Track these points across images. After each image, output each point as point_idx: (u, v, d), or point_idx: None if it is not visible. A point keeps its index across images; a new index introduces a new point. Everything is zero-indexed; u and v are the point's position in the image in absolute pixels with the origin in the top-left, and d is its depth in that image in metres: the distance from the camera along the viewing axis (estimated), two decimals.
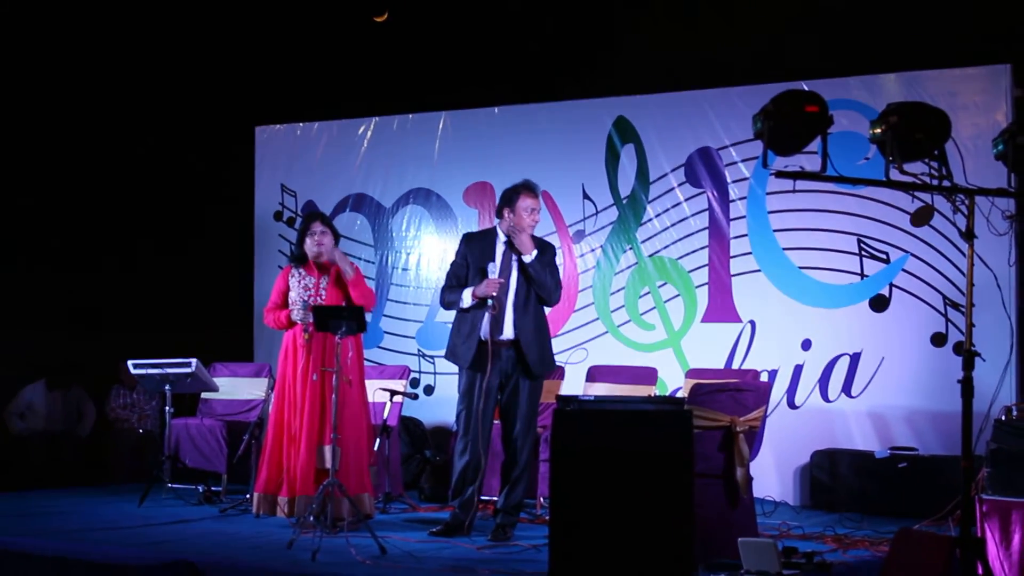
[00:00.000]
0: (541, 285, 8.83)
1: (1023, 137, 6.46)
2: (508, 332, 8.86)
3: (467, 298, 8.92)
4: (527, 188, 9.02)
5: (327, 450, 8.75)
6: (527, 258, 8.79)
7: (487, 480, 9.49)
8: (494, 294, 8.81)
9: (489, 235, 9.11)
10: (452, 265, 9.19)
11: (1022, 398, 9.49)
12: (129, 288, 13.89)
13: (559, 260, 11.63)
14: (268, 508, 9.28)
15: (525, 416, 8.89)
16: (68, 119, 13.70)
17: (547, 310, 9.06)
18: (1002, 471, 7.51)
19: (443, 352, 9.34)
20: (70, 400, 13.46)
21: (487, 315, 8.84)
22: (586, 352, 11.85)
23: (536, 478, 9.92)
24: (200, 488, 10.67)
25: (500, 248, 8.99)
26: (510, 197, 9.00)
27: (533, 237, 8.95)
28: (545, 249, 9.00)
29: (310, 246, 9.45)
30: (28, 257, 13.69)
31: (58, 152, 13.77)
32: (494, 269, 8.87)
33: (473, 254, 9.08)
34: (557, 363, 11.21)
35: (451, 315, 9.14)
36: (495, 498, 9.18)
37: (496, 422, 9.09)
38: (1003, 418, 7.80)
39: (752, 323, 11.25)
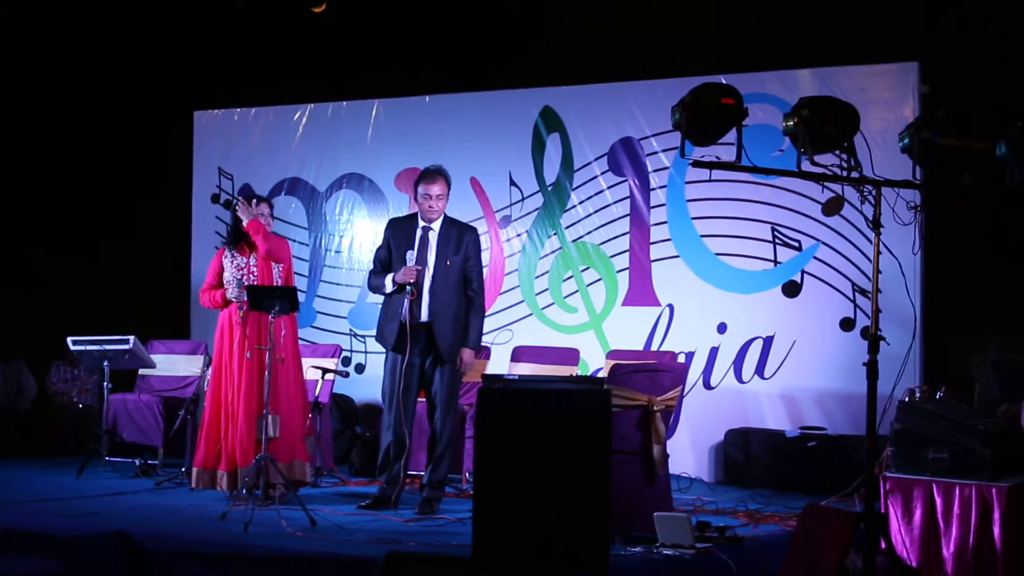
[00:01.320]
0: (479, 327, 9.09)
1: (928, 132, 6.51)
2: (424, 315, 8.87)
3: (388, 284, 8.94)
4: (425, 174, 9.10)
5: (269, 419, 8.70)
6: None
7: (415, 456, 9.49)
8: (411, 280, 8.83)
9: (411, 220, 9.11)
10: (377, 250, 9.22)
11: (925, 380, 9.57)
12: (69, 265, 13.76)
13: (484, 245, 11.67)
14: (207, 482, 9.25)
15: (444, 397, 8.91)
16: (11, 99, 13.56)
17: None
18: (905, 450, 7.59)
19: (374, 332, 9.33)
20: (9, 374, 13.33)
21: (406, 299, 8.85)
22: (511, 333, 11.85)
23: (462, 454, 9.93)
24: (137, 462, 10.61)
25: (419, 233, 8.99)
26: (415, 184, 9.10)
27: (454, 221, 8.99)
28: (464, 233, 9.00)
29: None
30: None
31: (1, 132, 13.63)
32: (412, 256, 8.88)
33: (396, 239, 9.10)
34: (482, 345, 11.24)
35: (379, 298, 9.14)
36: (422, 473, 9.18)
37: (422, 400, 9.11)
38: (906, 399, 7.87)
39: (670, 307, 11.29)
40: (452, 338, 8.89)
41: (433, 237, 8.98)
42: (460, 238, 8.95)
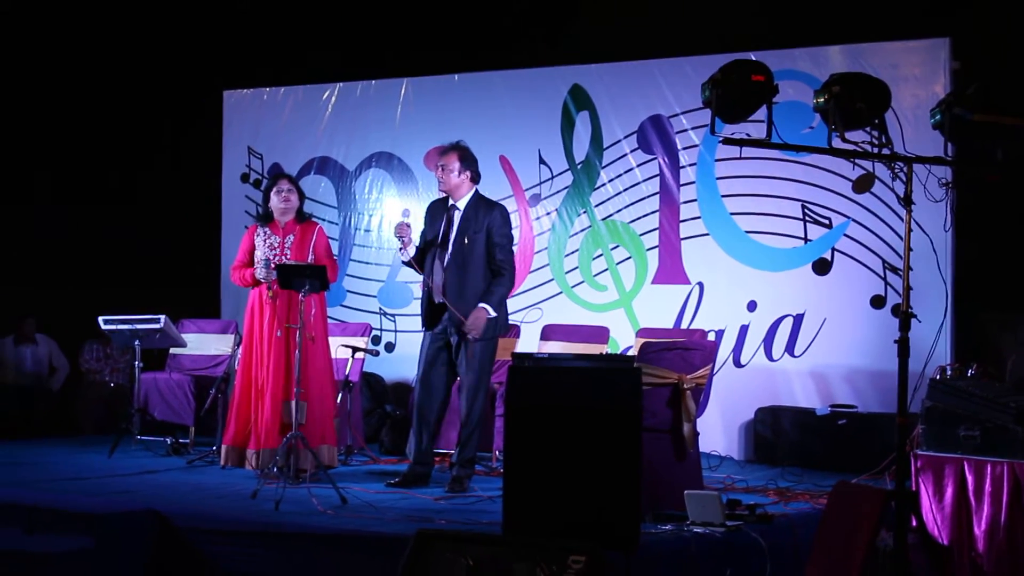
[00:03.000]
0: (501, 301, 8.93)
1: (960, 108, 6.48)
2: (441, 294, 8.88)
3: (404, 255, 9.04)
4: (441, 148, 9.15)
5: (292, 405, 8.73)
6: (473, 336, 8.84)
7: (445, 433, 9.52)
8: (399, 236, 8.89)
9: (445, 201, 9.11)
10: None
11: (956, 358, 9.53)
12: (102, 246, 13.81)
13: (513, 223, 11.65)
14: (236, 460, 9.27)
15: (468, 375, 8.87)
16: (43, 82, 13.61)
17: None
18: (936, 428, 7.57)
19: (403, 311, 9.36)
20: (39, 354, 13.40)
21: (427, 277, 8.92)
22: (541, 312, 11.85)
23: (492, 432, 9.93)
24: (168, 440, 10.65)
25: (447, 212, 9.04)
26: None
27: (481, 199, 8.99)
28: (489, 210, 8.99)
29: (276, 203, 9.42)
30: (3, 219, 13.62)
31: (33, 114, 13.67)
32: (408, 214, 8.93)
33: (428, 219, 9.18)
34: (511, 323, 11.24)
35: (411, 274, 9.15)
36: (452, 451, 9.18)
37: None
38: (937, 377, 7.85)
39: (700, 285, 11.27)
40: (465, 314, 8.85)
41: (457, 216, 8.98)
42: (484, 216, 8.93)
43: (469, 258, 8.85)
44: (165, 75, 13.63)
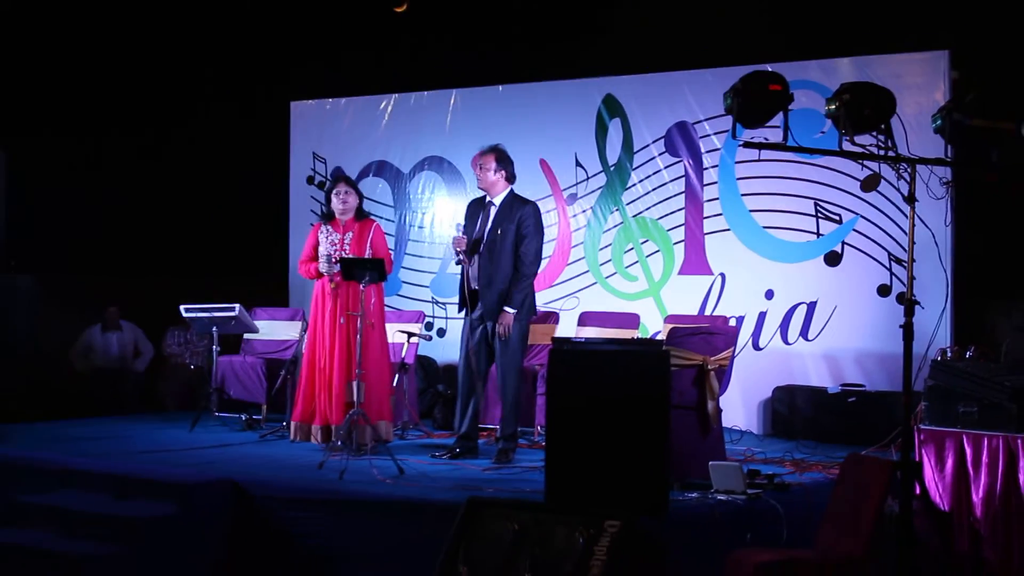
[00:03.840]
0: (524, 295, 8.93)
1: (959, 114, 6.46)
2: (475, 282, 8.94)
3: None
4: (481, 150, 9.15)
5: (354, 385, 8.77)
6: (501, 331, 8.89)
7: (490, 410, 9.54)
8: (456, 250, 8.96)
9: (484, 198, 9.16)
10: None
11: (956, 341, 9.48)
12: (182, 241, 13.90)
13: (552, 220, 11.71)
14: (303, 435, 9.31)
15: (503, 357, 8.90)
16: (129, 96, 13.71)
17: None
18: (937, 405, 7.56)
19: (454, 299, 9.38)
20: (124, 340, 13.48)
21: (463, 267, 8.99)
22: (578, 300, 11.84)
23: (534, 409, 9.93)
24: (243, 417, 10.70)
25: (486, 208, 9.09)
26: None
27: (516, 197, 9.06)
28: (521, 207, 9.00)
29: (335, 204, 9.48)
30: (99, 218, 13.74)
31: (124, 124, 13.77)
32: (460, 228, 9.04)
33: (469, 215, 9.24)
34: (548, 310, 11.25)
35: (459, 267, 9.18)
36: (496, 427, 9.20)
37: None
38: (939, 359, 7.85)
39: (722, 275, 11.24)
40: (494, 302, 8.87)
41: (492, 211, 9.02)
42: (517, 211, 8.95)
43: (500, 249, 8.88)
44: (240, 89, 13.68)
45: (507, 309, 8.83)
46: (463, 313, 9.09)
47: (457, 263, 9.12)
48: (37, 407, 11.91)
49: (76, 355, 13.34)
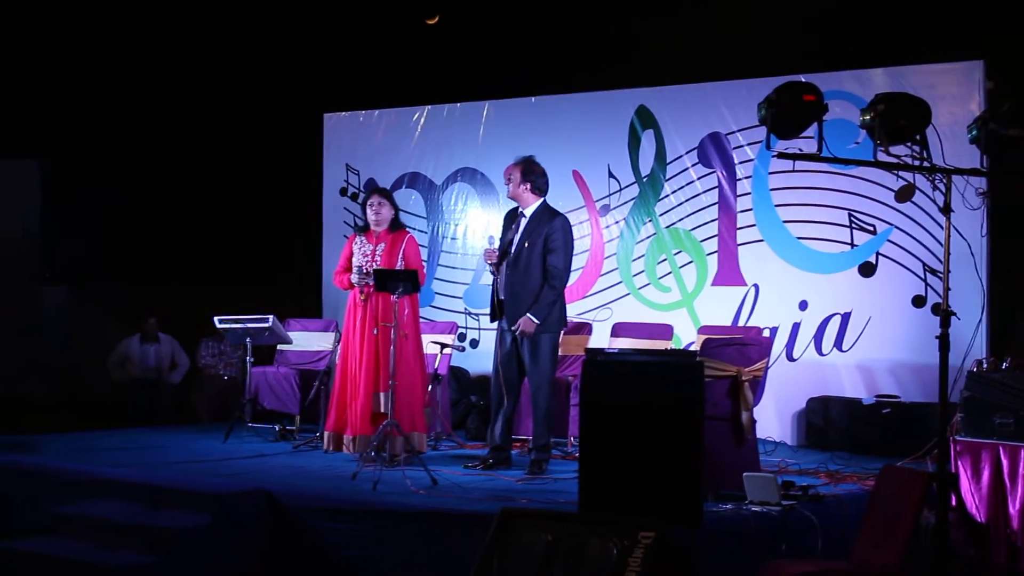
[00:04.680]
0: (550, 306, 8.93)
1: (995, 124, 6.43)
2: (503, 292, 8.96)
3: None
4: (511, 164, 9.19)
5: (382, 396, 8.79)
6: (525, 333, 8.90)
7: (523, 421, 9.53)
8: (488, 262, 9.03)
9: (516, 209, 9.19)
10: None
11: (992, 352, 9.43)
12: (218, 254, 13.95)
13: (585, 232, 11.70)
14: (336, 445, 9.33)
15: (533, 368, 8.91)
16: (164, 106, 13.79)
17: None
18: (973, 416, 7.53)
19: (487, 311, 9.40)
20: (161, 351, 13.54)
21: (493, 277, 9.07)
22: (611, 311, 11.83)
23: (567, 420, 9.94)
24: (276, 427, 10.73)
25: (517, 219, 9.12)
26: None
27: (547, 208, 9.07)
28: (551, 219, 9.01)
29: (369, 215, 9.52)
30: (135, 230, 13.82)
31: (158, 134, 13.85)
32: (493, 240, 9.09)
33: (503, 225, 9.29)
34: (581, 320, 11.24)
35: (491, 278, 9.21)
36: (530, 438, 9.20)
37: None
38: (975, 370, 7.81)
39: (756, 286, 11.22)
40: (520, 312, 8.87)
41: (523, 223, 9.03)
42: (545, 224, 8.95)
43: (528, 261, 8.89)
44: (274, 101, 13.74)
45: (530, 316, 8.82)
46: (495, 323, 9.12)
47: (490, 273, 9.15)
48: (72, 417, 11.99)
49: (112, 365, 13.41)
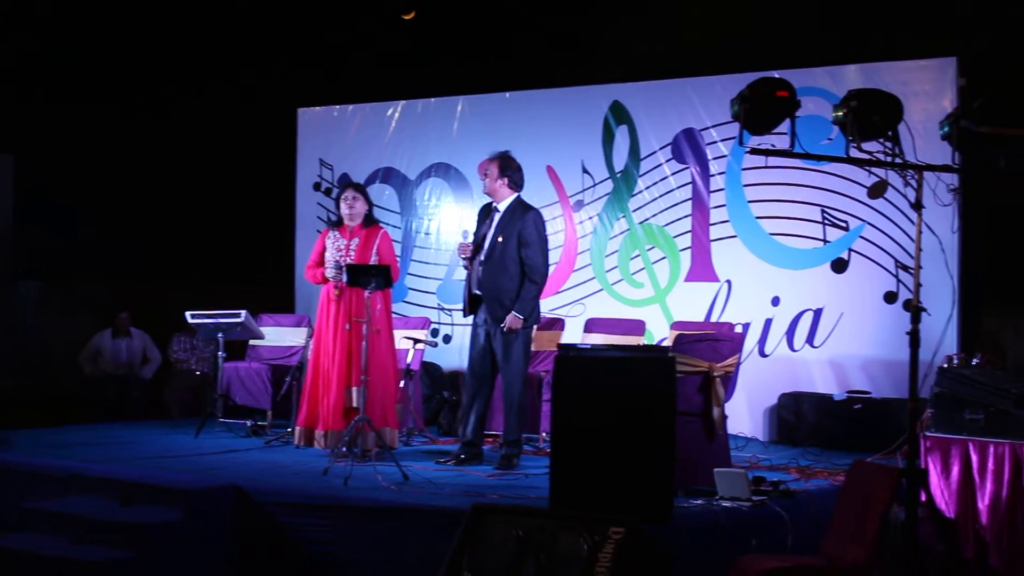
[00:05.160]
0: (532, 302, 8.94)
1: (967, 120, 6.44)
2: (476, 286, 8.96)
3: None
4: (486, 158, 9.20)
5: (355, 391, 8.77)
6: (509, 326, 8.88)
7: (496, 416, 9.52)
8: (462, 256, 9.04)
9: (491, 204, 9.20)
10: None
11: (962, 348, 9.47)
12: (191, 248, 13.91)
13: (559, 227, 11.71)
14: (307, 440, 9.33)
15: (506, 363, 8.90)
16: (136, 101, 13.73)
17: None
18: (944, 412, 7.55)
19: (460, 306, 9.39)
20: (133, 346, 13.49)
21: (468, 272, 9.05)
22: (584, 306, 11.83)
23: (539, 416, 9.93)
24: (248, 423, 10.69)
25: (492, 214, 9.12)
26: None
27: (520, 203, 9.07)
28: (524, 213, 9.01)
29: (343, 210, 9.51)
30: (108, 225, 13.75)
31: (131, 130, 13.78)
32: (467, 235, 9.08)
33: (477, 220, 9.29)
34: (554, 316, 11.24)
35: (465, 273, 9.19)
36: (501, 433, 9.19)
37: None
38: (945, 366, 7.83)
39: (728, 282, 11.23)
40: (496, 307, 8.88)
41: (497, 217, 9.04)
42: (518, 219, 8.96)
43: (502, 256, 8.90)
44: (248, 96, 13.70)
45: (514, 312, 8.82)
46: (468, 318, 9.11)
47: (464, 268, 9.13)
48: (43, 412, 11.92)
49: (85, 360, 13.35)
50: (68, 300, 13.69)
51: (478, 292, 8.93)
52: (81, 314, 13.72)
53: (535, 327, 9.33)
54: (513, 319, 8.81)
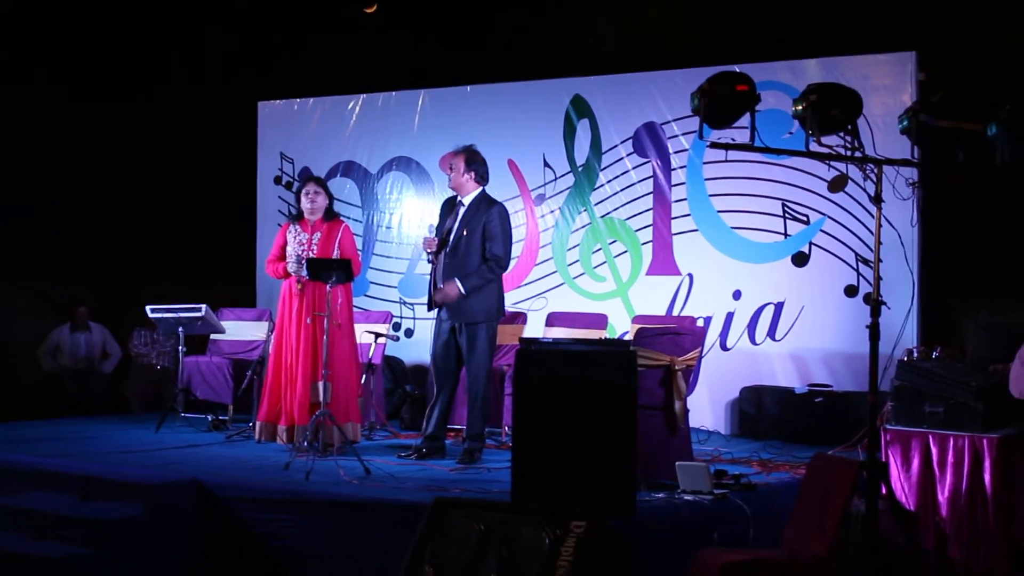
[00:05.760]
0: (481, 286, 8.84)
1: (926, 115, 6.47)
2: (441, 280, 8.93)
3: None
4: (451, 153, 9.22)
5: (320, 385, 8.75)
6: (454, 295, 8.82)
7: (458, 411, 9.50)
8: (427, 250, 9.00)
9: (454, 198, 9.17)
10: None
11: (922, 341, 9.52)
12: (150, 242, 13.83)
13: (520, 221, 11.71)
14: (268, 435, 9.29)
15: (471, 357, 8.88)
16: (96, 93, 13.63)
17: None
18: (904, 405, 7.59)
19: (421, 300, 9.37)
20: (92, 340, 13.42)
21: (432, 266, 9.02)
22: (546, 300, 11.83)
23: (501, 409, 9.92)
24: (209, 417, 10.66)
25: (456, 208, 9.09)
26: None
27: (485, 197, 9.05)
28: (488, 207, 8.99)
29: (304, 204, 9.47)
30: (66, 219, 13.65)
31: (90, 121, 13.68)
32: (432, 229, 9.04)
33: (441, 214, 9.27)
34: (515, 310, 11.23)
35: (428, 267, 9.17)
36: (463, 427, 9.19)
37: None
38: (905, 359, 7.87)
39: (690, 276, 11.25)
40: (462, 305, 8.83)
41: (462, 211, 9.02)
42: (483, 213, 8.94)
43: (466, 249, 8.87)
44: (206, 89, 13.64)
45: (457, 281, 8.77)
46: (432, 313, 9.10)
47: (428, 262, 9.11)
48: (1, 407, 11.85)
49: (43, 355, 13.28)
50: (26, 294, 13.60)
51: (441, 286, 8.90)
52: (39, 309, 13.63)
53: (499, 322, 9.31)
54: (451, 286, 8.77)
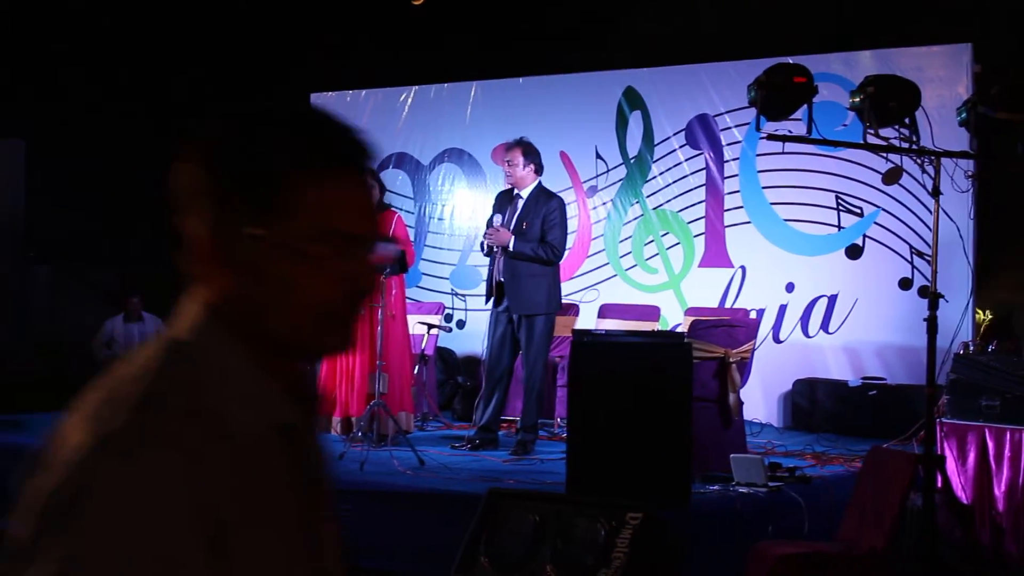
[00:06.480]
0: (529, 260, 8.81)
1: (984, 107, 6.45)
2: (501, 274, 8.91)
3: (482, 246, 9.10)
4: (507, 144, 9.18)
5: (377, 376, 8.79)
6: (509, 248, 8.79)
7: (511, 402, 9.53)
8: (485, 242, 8.97)
9: (512, 191, 9.15)
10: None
11: (979, 335, 9.47)
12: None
13: (572, 213, 11.72)
14: (324, 426, 9.33)
15: (529, 348, 8.87)
16: (151, 88, 13.73)
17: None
18: (960, 398, 7.56)
19: (473, 291, 9.39)
20: (146, 331, 13.51)
21: (493, 258, 8.96)
22: (598, 292, 11.85)
23: (554, 401, 9.95)
24: None
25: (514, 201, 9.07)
26: None
27: (543, 190, 9.01)
28: (548, 200, 8.97)
29: None
30: (120, 209, 13.77)
31: (146, 115, 13.78)
32: (498, 221, 8.99)
33: (497, 207, 9.21)
34: (568, 302, 11.24)
35: (479, 259, 9.20)
36: (517, 418, 9.21)
37: None
38: (962, 352, 7.83)
39: (743, 268, 11.24)
40: (522, 296, 8.82)
41: (520, 203, 9.01)
42: (543, 205, 8.93)
43: (526, 244, 8.86)
44: (260, 82, 13.70)
45: (514, 237, 8.77)
46: (490, 305, 9.08)
47: (484, 255, 9.11)
48: (55, 397, 11.93)
49: (98, 345, 13.39)
50: (79, 285, 13.71)
51: (502, 279, 8.90)
52: (93, 299, 13.73)
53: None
54: (505, 234, 8.79)
